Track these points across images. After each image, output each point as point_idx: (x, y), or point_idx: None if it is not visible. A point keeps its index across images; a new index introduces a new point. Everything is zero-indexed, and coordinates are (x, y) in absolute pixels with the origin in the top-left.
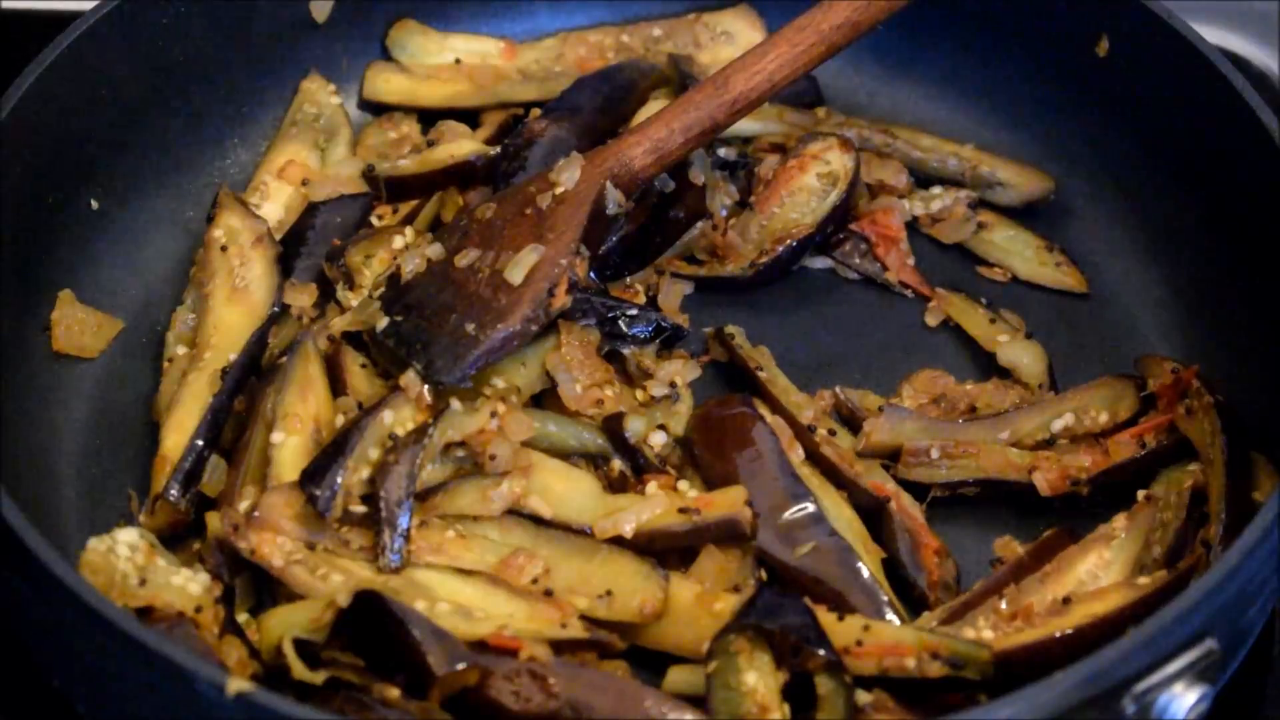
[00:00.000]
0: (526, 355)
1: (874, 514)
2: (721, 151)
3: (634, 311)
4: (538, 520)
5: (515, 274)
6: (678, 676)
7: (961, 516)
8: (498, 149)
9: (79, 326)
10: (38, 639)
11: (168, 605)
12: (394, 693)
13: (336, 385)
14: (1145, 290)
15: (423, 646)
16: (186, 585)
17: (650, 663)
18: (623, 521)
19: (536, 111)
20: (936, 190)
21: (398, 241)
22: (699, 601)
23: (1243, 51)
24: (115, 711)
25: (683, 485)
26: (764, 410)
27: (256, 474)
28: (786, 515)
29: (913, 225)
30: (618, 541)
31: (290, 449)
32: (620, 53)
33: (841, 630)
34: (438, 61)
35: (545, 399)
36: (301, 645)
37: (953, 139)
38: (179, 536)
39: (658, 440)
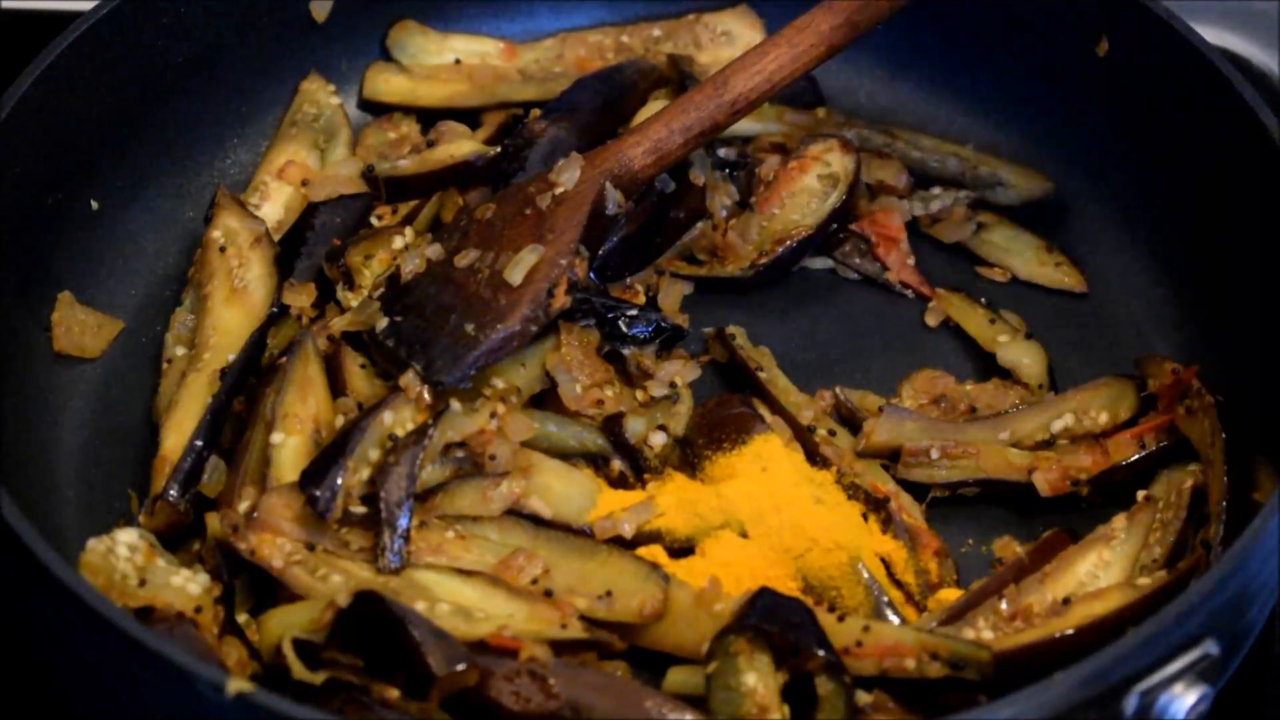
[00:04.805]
0: (526, 355)
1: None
2: (721, 152)
3: (634, 312)
4: (537, 520)
5: (515, 274)
6: (678, 677)
7: (961, 516)
8: (498, 149)
9: (79, 327)
10: (37, 639)
11: (168, 605)
12: (394, 693)
13: (336, 385)
14: (1145, 290)
15: (423, 647)
16: (186, 585)
17: (650, 663)
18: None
19: (536, 111)
20: (936, 190)
21: (398, 241)
22: (699, 602)
23: (1243, 51)
24: (115, 711)
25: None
26: (764, 410)
27: (256, 475)
28: None
29: (913, 225)
30: (618, 541)
31: (290, 450)
32: (620, 53)
33: (841, 630)
34: (438, 62)
35: (545, 399)
36: (301, 645)
37: (953, 139)
38: (179, 537)
39: (658, 440)
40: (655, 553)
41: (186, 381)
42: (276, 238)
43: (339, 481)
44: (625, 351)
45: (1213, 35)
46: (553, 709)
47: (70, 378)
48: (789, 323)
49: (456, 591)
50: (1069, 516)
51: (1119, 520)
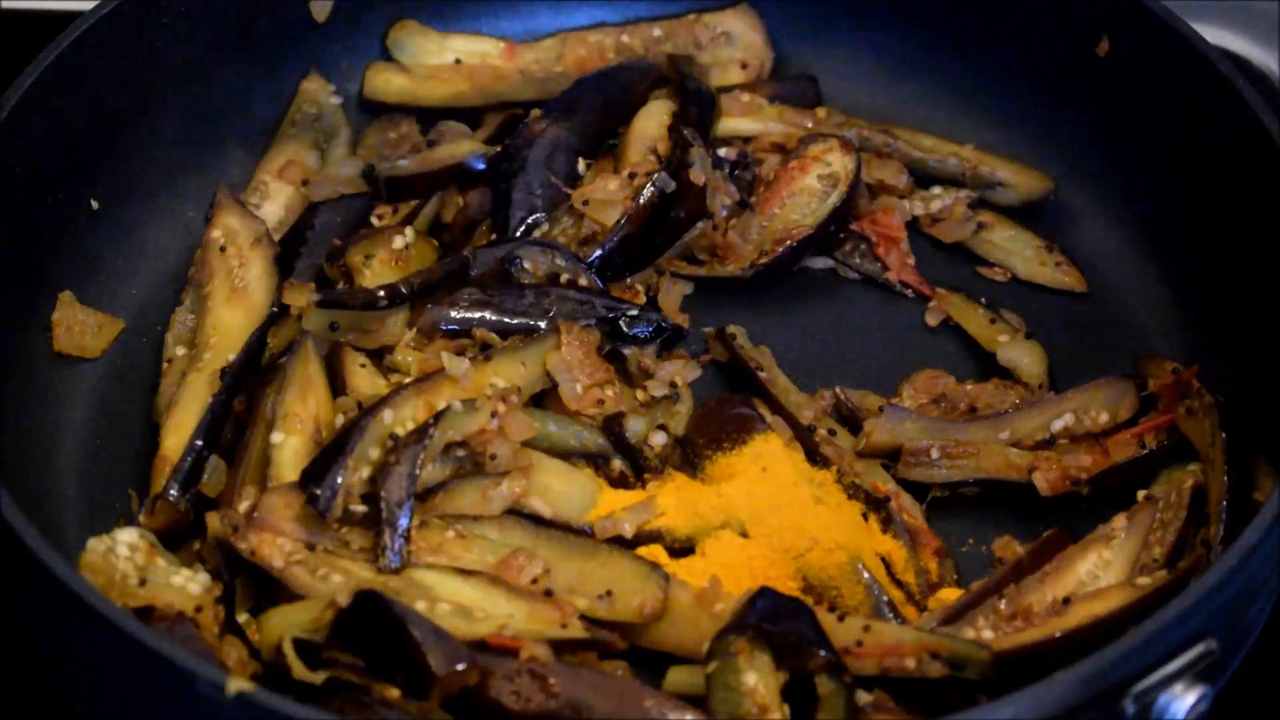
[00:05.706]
0: (527, 355)
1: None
2: (722, 152)
3: (634, 311)
4: (538, 520)
5: None
6: (678, 676)
7: (961, 516)
8: (498, 149)
9: (79, 327)
10: (37, 639)
11: (168, 605)
12: (394, 693)
13: (336, 385)
14: (1145, 290)
15: (423, 647)
16: (186, 585)
17: (650, 663)
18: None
19: (537, 111)
20: (936, 190)
21: (398, 241)
22: (699, 602)
23: (1243, 51)
24: (115, 711)
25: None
26: (764, 410)
27: (256, 474)
28: None
29: (913, 225)
30: (618, 541)
31: (290, 449)
32: (620, 53)
33: (841, 630)
34: (438, 61)
35: (545, 399)
36: (301, 645)
37: (953, 139)
38: (179, 536)
39: (658, 440)
40: (655, 553)
41: (187, 381)
42: (276, 238)
43: (339, 480)
44: (626, 351)
45: (1213, 35)
46: (553, 709)
47: (70, 378)
48: (789, 323)
49: (457, 591)
50: (1069, 516)
51: (1119, 520)
